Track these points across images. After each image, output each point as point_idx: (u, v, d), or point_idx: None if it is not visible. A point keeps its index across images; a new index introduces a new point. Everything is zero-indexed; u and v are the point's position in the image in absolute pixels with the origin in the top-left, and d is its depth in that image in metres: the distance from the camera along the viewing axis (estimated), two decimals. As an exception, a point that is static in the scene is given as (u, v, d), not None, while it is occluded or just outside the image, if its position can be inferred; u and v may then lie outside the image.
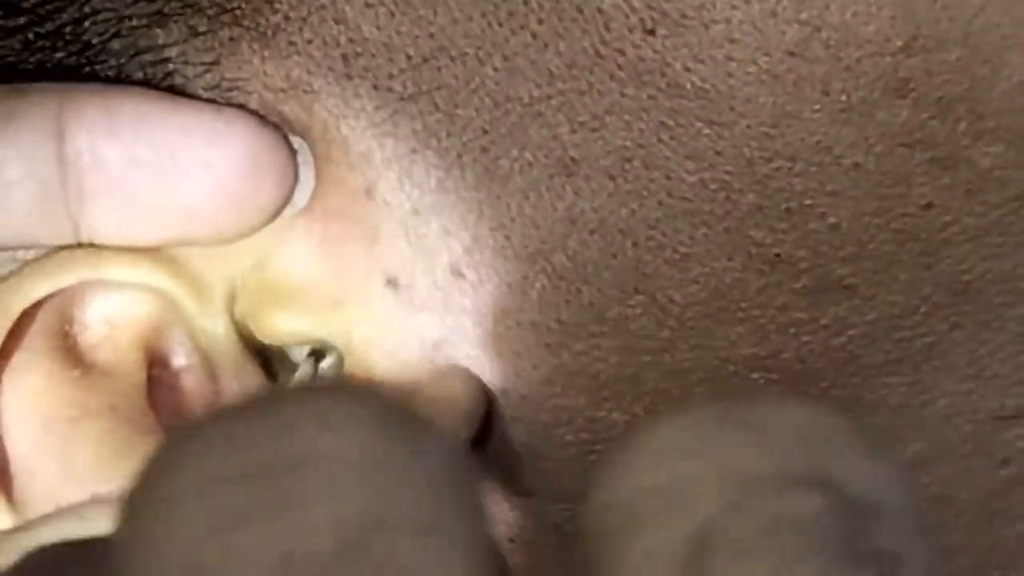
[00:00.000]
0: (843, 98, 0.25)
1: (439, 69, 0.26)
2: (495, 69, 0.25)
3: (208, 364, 0.28)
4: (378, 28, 0.26)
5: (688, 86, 0.25)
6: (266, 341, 0.28)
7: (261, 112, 0.26)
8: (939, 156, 0.25)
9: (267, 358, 0.28)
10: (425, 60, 0.26)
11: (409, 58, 0.26)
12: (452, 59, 0.26)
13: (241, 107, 0.26)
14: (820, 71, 0.25)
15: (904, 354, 0.27)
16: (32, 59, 0.27)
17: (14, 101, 0.26)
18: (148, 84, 0.26)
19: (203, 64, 0.26)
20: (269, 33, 0.26)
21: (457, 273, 0.27)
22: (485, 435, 0.27)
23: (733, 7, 0.25)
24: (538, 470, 0.28)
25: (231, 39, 0.26)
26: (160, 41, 0.26)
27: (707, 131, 0.25)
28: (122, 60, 0.26)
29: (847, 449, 0.17)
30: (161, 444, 0.17)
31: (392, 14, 0.26)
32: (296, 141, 0.27)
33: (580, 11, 0.25)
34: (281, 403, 0.17)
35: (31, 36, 0.26)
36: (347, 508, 0.16)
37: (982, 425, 0.28)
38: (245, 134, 0.26)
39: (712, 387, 0.26)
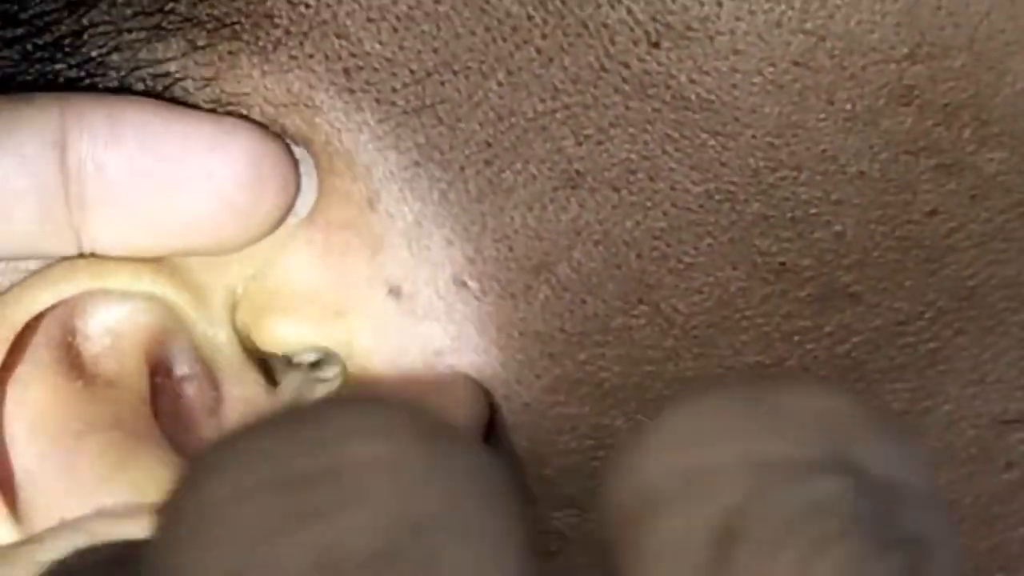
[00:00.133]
0: (848, 107, 0.25)
1: (442, 83, 0.25)
2: (499, 83, 0.25)
3: (210, 373, 0.28)
4: (380, 43, 0.26)
5: (693, 98, 0.25)
6: (268, 350, 0.28)
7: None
8: (944, 163, 0.25)
9: (269, 367, 0.28)
10: (428, 74, 0.25)
11: (412, 72, 0.26)
12: (455, 73, 0.25)
13: (243, 118, 0.26)
14: (825, 80, 0.25)
15: (908, 360, 0.27)
16: (32, 70, 0.26)
17: (16, 110, 0.26)
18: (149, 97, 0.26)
19: (203, 78, 0.26)
20: (269, 48, 0.26)
21: (460, 283, 0.27)
22: (488, 443, 0.27)
23: (738, 18, 0.25)
24: (541, 477, 0.28)
25: (231, 53, 0.26)
26: (160, 55, 0.26)
27: (712, 142, 0.25)
28: (123, 73, 0.26)
29: (870, 434, 0.17)
30: (198, 454, 0.17)
31: (395, 29, 0.25)
32: (298, 151, 0.26)
33: (585, 25, 0.25)
34: (317, 413, 0.17)
35: (29, 47, 0.26)
36: (385, 512, 0.16)
37: (985, 429, 0.28)
38: (247, 144, 0.26)
39: (734, 373, 0.26)
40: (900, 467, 0.17)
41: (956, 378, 0.27)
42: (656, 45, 0.25)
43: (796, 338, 0.26)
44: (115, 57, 0.26)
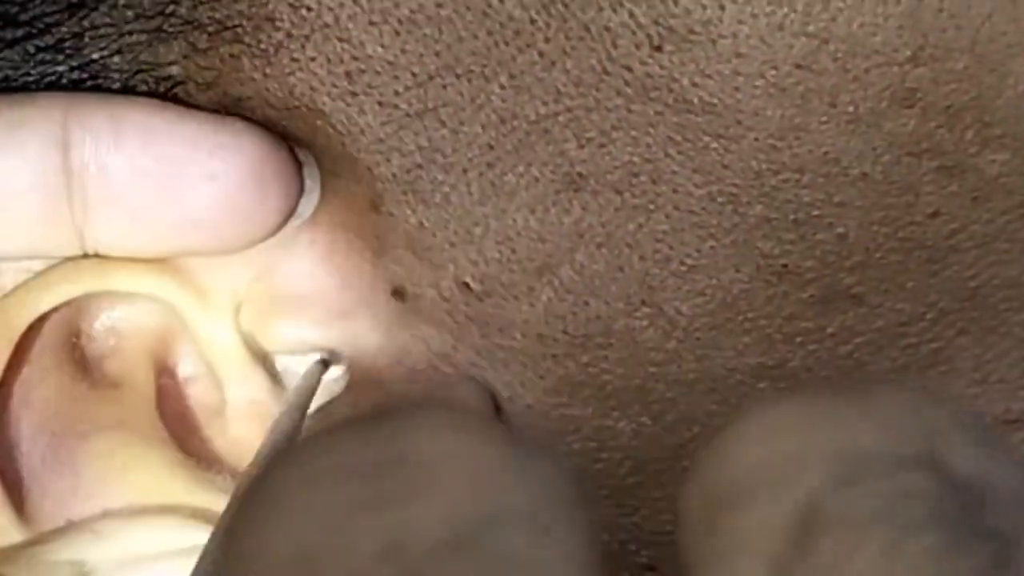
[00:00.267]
0: (851, 109, 0.25)
1: (445, 87, 0.25)
2: (501, 87, 0.25)
3: (215, 374, 0.28)
4: (383, 46, 0.25)
5: (695, 101, 0.25)
6: (272, 350, 0.28)
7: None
8: (946, 164, 0.25)
9: (274, 368, 0.28)
10: (431, 78, 0.25)
11: (414, 75, 0.26)
12: (458, 77, 0.25)
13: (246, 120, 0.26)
14: (828, 83, 0.25)
15: (910, 360, 0.27)
16: (34, 72, 0.26)
17: (19, 110, 0.26)
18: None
19: (205, 81, 0.26)
20: (271, 51, 0.26)
21: (462, 285, 0.27)
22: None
23: (740, 22, 0.24)
24: None
25: (232, 56, 0.26)
26: (161, 58, 0.26)
27: (715, 145, 0.25)
28: (126, 76, 0.26)
29: (956, 432, 0.17)
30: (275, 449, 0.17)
31: (397, 32, 0.25)
32: (301, 153, 0.26)
33: (587, 29, 0.25)
34: (391, 411, 0.17)
35: (31, 48, 0.26)
36: (457, 504, 0.16)
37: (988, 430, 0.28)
38: (250, 145, 0.26)
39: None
40: (987, 466, 0.17)
41: (958, 378, 0.27)
42: (658, 49, 0.25)
43: (798, 339, 0.27)
44: (117, 59, 0.26)
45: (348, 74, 0.26)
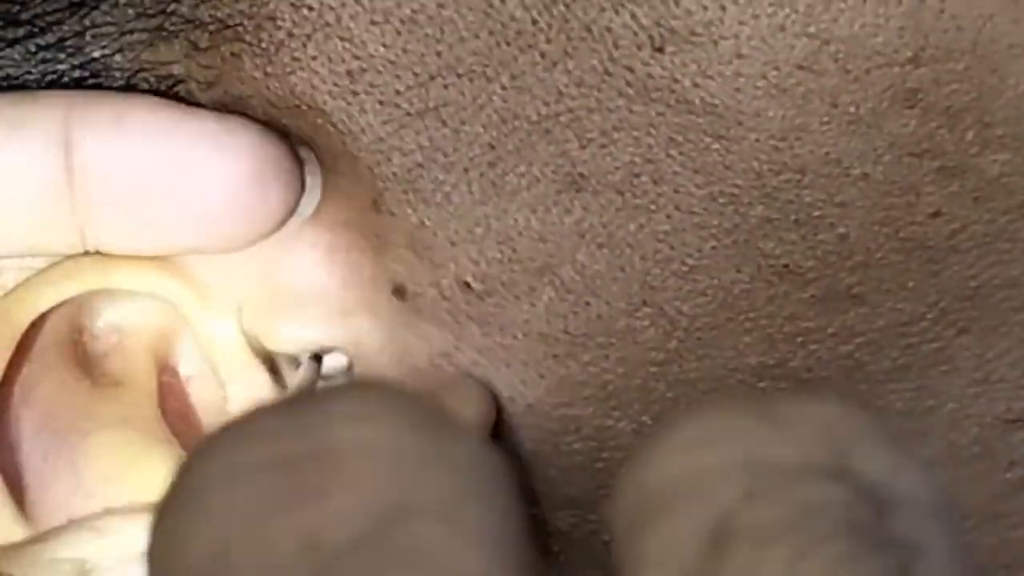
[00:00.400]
0: (852, 110, 0.25)
1: (446, 87, 0.25)
2: (503, 87, 0.25)
3: (216, 372, 0.28)
4: (384, 46, 0.25)
5: (697, 102, 0.25)
6: (274, 349, 0.28)
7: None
8: (947, 165, 0.25)
9: (276, 366, 0.28)
10: (432, 77, 0.25)
11: (416, 75, 0.26)
12: (459, 76, 0.25)
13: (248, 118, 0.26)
14: (829, 84, 0.25)
15: (911, 360, 0.27)
16: (36, 70, 0.26)
17: (22, 108, 0.26)
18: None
19: (206, 80, 0.26)
20: (272, 49, 0.26)
21: (463, 284, 0.27)
22: (492, 443, 0.27)
23: (741, 23, 0.24)
24: (545, 477, 0.28)
25: (233, 55, 0.26)
26: (163, 57, 0.26)
27: (716, 146, 0.25)
28: (128, 74, 0.26)
29: (867, 442, 0.17)
30: (198, 441, 0.18)
31: (398, 32, 0.25)
32: (302, 151, 0.26)
33: (589, 30, 0.25)
34: (309, 399, 0.17)
35: (32, 47, 0.26)
36: (373, 496, 0.16)
37: (988, 429, 0.28)
38: (252, 143, 0.26)
39: (727, 392, 0.27)
40: (897, 475, 0.17)
41: (959, 378, 0.27)
42: (660, 49, 0.25)
43: (799, 339, 0.27)
44: (118, 58, 0.26)
45: (349, 73, 0.26)
